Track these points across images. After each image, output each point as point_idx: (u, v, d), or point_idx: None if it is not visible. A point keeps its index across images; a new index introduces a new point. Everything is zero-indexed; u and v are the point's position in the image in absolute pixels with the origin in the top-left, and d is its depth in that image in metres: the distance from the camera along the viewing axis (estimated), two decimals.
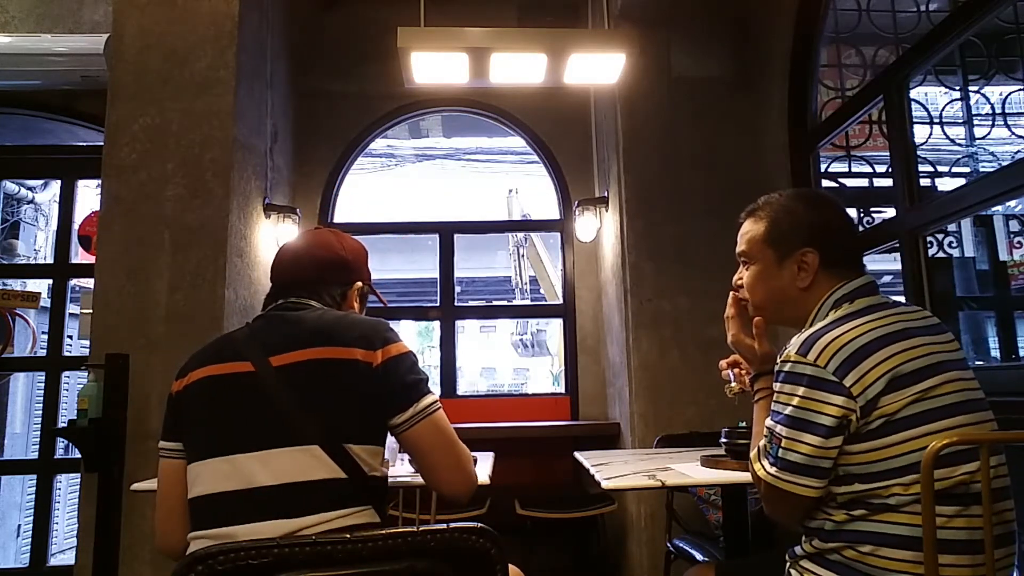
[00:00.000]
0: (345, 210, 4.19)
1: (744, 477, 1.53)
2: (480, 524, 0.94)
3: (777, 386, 1.20)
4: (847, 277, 1.26)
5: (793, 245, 1.29)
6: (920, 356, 1.12)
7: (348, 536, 0.91)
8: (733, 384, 1.66)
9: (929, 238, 2.44)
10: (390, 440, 1.20)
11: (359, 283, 1.37)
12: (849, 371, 1.10)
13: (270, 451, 1.06)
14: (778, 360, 1.21)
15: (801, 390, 1.13)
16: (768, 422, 1.20)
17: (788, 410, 1.15)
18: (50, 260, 4.60)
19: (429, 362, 7.19)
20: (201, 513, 1.10)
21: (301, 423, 1.07)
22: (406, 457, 1.93)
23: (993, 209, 5.03)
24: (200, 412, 1.16)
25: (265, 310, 1.29)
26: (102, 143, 2.87)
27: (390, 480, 1.18)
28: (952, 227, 3.86)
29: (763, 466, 1.18)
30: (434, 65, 2.61)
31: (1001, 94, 3.20)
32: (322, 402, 1.10)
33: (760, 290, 1.34)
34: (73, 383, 4.54)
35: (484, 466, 1.83)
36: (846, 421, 1.09)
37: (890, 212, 2.60)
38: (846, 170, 3.13)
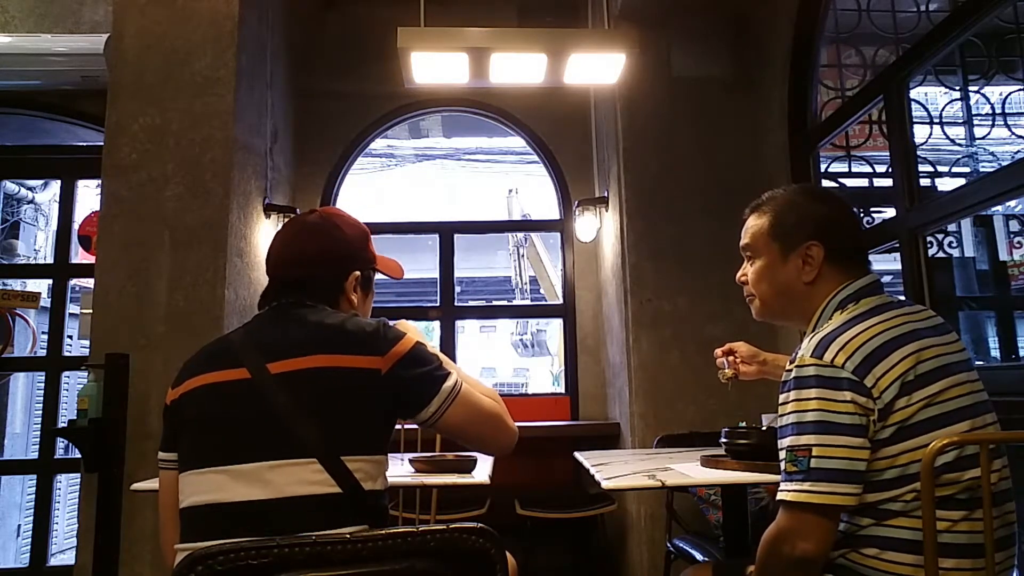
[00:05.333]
0: (345, 210, 4.18)
1: (744, 477, 1.53)
2: (480, 524, 0.94)
3: (785, 395, 1.14)
4: (852, 274, 1.25)
5: (798, 239, 1.28)
6: (930, 359, 1.11)
7: (348, 536, 0.91)
8: (727, 370, 1.78)
9: (929, 238, 2.44)
10: None
11: (356, 272, 1.30)
12: (868, 371, 1.07)
13: (265, 463, 1.03)
14: (787, 367, 1.16)
15: (814, 392, 1.08)
16: (787, 440, 1.10)
17: (811, 415, 1.08)
18: (50, 260, 4.59)
19: None
20: (190, 525, 1.06)
21: (299, 434, 1.03)
22: (405, 457, 1.93)
23: (993, 209, 5.03)
24: (194, 422, 1.12)
25: (261, 309, 1.25)
26: (102, 143, 2.87)
27: (390, 479, 1.17)
28: (952, 227, 3.86)
29: (788, 490, 1.07)
30: (434, 65, 2.62)
31: (1001, 94, 3.19)
32: (322, 412, 1.06)
33: (765, 284, 1.33)
34: (73, 383, 4.54)
35: (484, 466, 1.83)
36: (866, 422, 1.06)
37: (890, 212, 2.60)
38: (846, 170, 3.13)
